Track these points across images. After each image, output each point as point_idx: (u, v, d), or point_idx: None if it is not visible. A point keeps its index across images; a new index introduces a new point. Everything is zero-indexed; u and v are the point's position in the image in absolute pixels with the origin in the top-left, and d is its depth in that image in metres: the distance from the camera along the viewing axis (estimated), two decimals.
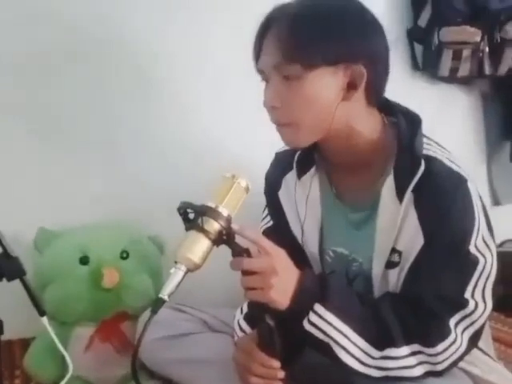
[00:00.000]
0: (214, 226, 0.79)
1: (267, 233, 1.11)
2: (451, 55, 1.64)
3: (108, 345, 1.17)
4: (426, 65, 1.73)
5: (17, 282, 1.16)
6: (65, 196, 1.31)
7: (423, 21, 1.69)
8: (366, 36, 0.87)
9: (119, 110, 1.36)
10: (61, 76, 1.30)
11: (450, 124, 1.75)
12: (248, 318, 0.99)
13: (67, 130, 1.32)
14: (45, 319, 0.78)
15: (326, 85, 0.86)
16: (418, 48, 1.73)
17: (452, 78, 1.70)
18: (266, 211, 1.12)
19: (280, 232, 1.05)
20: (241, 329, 1.00)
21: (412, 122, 0.93)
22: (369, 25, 0.88)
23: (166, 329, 1.08)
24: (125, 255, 1.23)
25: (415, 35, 1.73)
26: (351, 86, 0.87)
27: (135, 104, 1.37)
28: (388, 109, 0.95)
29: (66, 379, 0.87)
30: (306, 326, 0.84)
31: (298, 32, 0.83)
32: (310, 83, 0.85)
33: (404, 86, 1.68)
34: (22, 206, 1.27)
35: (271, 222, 1.10)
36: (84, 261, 1.19)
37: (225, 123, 1.42)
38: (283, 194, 1.05)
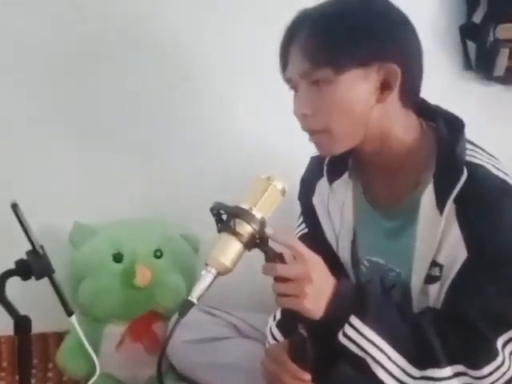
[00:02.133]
0: (246, 228, 0.76)
1: (302, 240, 1.07)
2: (507, 54, 1.54)
3: (139, 345, 1.16)
4: (480, 64, 1.63)
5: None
6: (102, 194, 1.31)
7: (478, 17, 1.60)
8: (396, 33, 0.82)
9: (156, 111, 1.35)
10: (99, 77, 1.30)
11: (505, 127, 1.64)
12: (281, 326, 0.96)
13: (105, 130, 1.32)
14: (73, 318, 0.77)
15: (358, 87, 0.81)
16: (471, 46, 1.64)
17: (508, 78, 1.60)
18: (302, 218, 1.08)
19: (315, 239, 1.01)
20: (273, 336, 0.96)
21: (454, 126, 0.87)
22: (398, 22, 0.83)
23: (196, 332, 1.07)
24: (158, 254, 1.22)
25: (468, 33, 1.64)
26: (385, 87, 0.82)
27: (172, 105, 1.36)
28: (427, 112, 0.90)
29: (93, 379, 0.86)
30: (341, 339, 0.80)
31: (323, 35, 0.80)
32: (342, 87, 0.81)
33: (455, 87, 1.60)
34: (62, 203, 1.29)
35: (306, 229, 1.06)
36: (117, 258, 1.19)
37: (262, 124, 1.39)
38: (317, 201, 1.01)
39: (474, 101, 1.61)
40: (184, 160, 1.38)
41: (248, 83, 1.38)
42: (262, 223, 0.77)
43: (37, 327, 1.20)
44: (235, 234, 0.76)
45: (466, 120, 1.56)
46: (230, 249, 0.76)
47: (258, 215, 0.77)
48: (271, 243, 0.79)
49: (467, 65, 1.65)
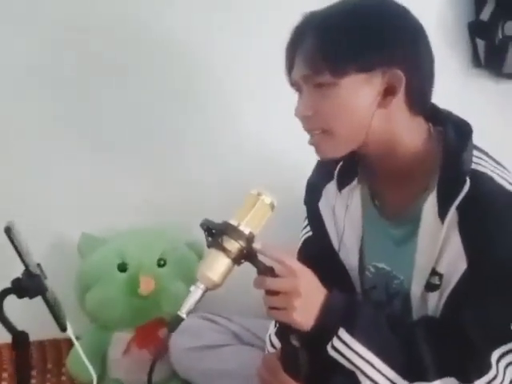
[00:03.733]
0: (234, 244, 0.77)
1: (307, 243, 1.08)
2: None
3: (145, 351, 1.19)
4: (489, 61, 1.60)
5: (63, 284, 1.23)
6: (108, 206, 1.34)
7: (486, 14, 1.57)
8: (401, 38, 0.81)
9: (158, 121, 1.37)
10: (100, 86, 1.32)
11: None
12: (279, 334, 0.97)
13: (107, 141, 1.34)
14: (69, 331, 0.80)
15: (359, 92, 0.81)
16: (480, 44, 1.61)
17: None
18: (307, 221, 1.08)
19: (319, 243, 1.01)
20: (272, 344, 0.97)
21: (461, 132, 0.85)
22: (405, 26, 0.82)
23: (197, 339, 1.09)
24: (162, 263, 1.25)
25: (477, 30, 1.61)
26: (389, 92, 0.81)
27: (174, 117, 1.38)
28: (436, 116, 0.88)
29: None
30: (330, 351, 0.80)
31: (324, 43, 0.80)
32: (344, 90, 0.81)
33: (465, 85, 1.58)
34: (70, 215, 1.32)
35: (311, 232, 1.07)
36: (122, 267, 1.22)
37: (268, 127, 1.39)
38: (323, 205, 1.00)
39: (483, 98, 1.58)
40: (188, 168, 1.39)
41: (253, 85, 1.38)
42: (250, 238, 0.78)
43: (50, 333, 1.26)
44: (223, 249, 0.77)
45: (475, 117, 1.54)
46: (219, 264, 0.77)
47: (246, 230, 0.78)
48: (262, 256, 0.81)
49: (476, 62, 1.62)
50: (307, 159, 1.02)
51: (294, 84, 0.87)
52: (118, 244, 1.25)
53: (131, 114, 1.35)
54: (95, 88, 1.32)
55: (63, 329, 0.75)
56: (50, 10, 1.27)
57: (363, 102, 0.81)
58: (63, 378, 1.36)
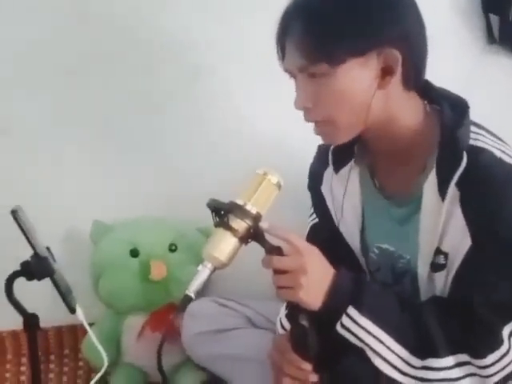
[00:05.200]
0: (240, 224, 0.77)
1: (314, 229, 1.08)
2: None
3: (158, 334, 1.20)
4: (504, 37, 1.56)
5: (78, 271, 1.25)
6: (119, 192, 1.35)
7: None
8: (394, 17, 0.79)
9: (167, 111, 1.37)
10: (107, 78, 1.32)
11: None
12: (288, 315, 0.97)
13: (118, 130, 1.34)
14: (79, 313, 0.80)
15: (357, 77, 0.79)
16: (494, 20, 1.57)
17: None
18: (312, 207, 1.08)
19: (325, 228, 1.01)
20: (282, 327, 0.97)
21: (458, 108, 0.84)
22: (395, 5, 0.80)
23: (209, 323, 1.09)
24: (173, 248, 1.25)
25: (491, 5, 1.57)
26: (387, 72, 0.80)
27: (183, 104, 1.37)
28: (431, 94, 0.87)
29: (98, 375, 0.89)
30: (339, 329, 0.80)
31: (314, 31, 0.78)
32: (340, 78, 0.79)
33: (479, 61, 1.54)
34: (82, 204, 1.34)
35: (317, 219, 1.06)
36: (134, 253, 1.23)
37: (273, 122, 1.38)
38: (325, 189, 1.00)
39: (499, 74, 1.54)
40: (197, 158, 1.39)
41: (258, 82, 1.37)
42: (257, 218, 0.78)
43: (66, 319, 1.27)
44: (230, 229, 0.77)
45: (490, 94, 1.51)
46: (225, 244, 0.77)
47: (253, 210, 0.78)
48: (269, 236, 0.80)
49: (491, 38, 1.58)
50: (311, 148, 1.04)
51: (288, 71, 0.86)
52: (129, 230, 1.26)
53: (143, 106, 1.35)
54: (101, 77, 1.32)
55: (72, 311, 0.75)
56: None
57: (361, 86, 0.80)
58: (80, 363, 1.38)
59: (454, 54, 1.50)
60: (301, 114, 0.87)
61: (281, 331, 0.97)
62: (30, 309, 0.81)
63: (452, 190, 0.79)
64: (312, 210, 1.10)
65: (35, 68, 1.29)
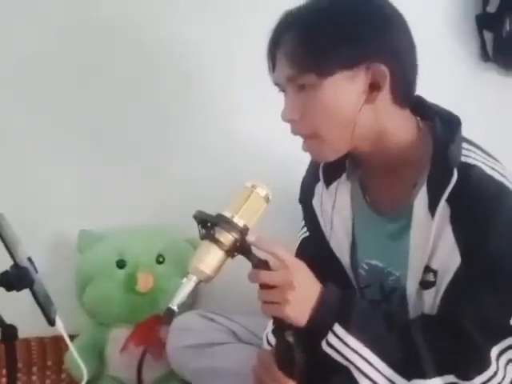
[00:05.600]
0: (227, 236, 0.76)
1: (304, 243, 1.07)
2: None
3: (142, 348, 1.18)
4: (498, 54, 1.57)
5: (62, 281, 1.22)
6: (106, 202, 1.33)
7: (493, 6, 1.55)
8: (383, 33, 0.79)
9: (157, 119, 1.36)
10: (100, 84, 1.32)
11: None
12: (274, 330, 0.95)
13: (106, 139, 1.34)
14: (60, 325, 0.78)
15: (344, 90, 0.79)
16: (489, 37, 1.58)
17: None
18: (303, 221, 1.07)
19: (316, 242, 1.00)
20: (268, 342, 0.95)
21: (449, 125, 0.83)
22: (385, 20, 0.80)
23: (194, 337, 1.07)
24: (161, 259, 1.24)
25: (485, 22, 1.58)
26: (374, 88, 0.80)
27: (171, 114, 1.37)
28: (423, 110, 0.87)
29: None
30: (325, 347, 0.78)
31: (305, 42, 0.78)
32: (327, 91, 0.79)
33: (473, 78, 1.55)
34: (67, 211, 1.32)
35: (308, 233, 1.05)
36: (120, 264, 1.21)
37: (266, 127, 1.36)
38: (316, 203, 0.99)
39: (492, 92, 1.55)
40: (187, 166, 1.38)
41: (251, 85, 1.36)
42: (244, 231, 0.77)
43: (50, 330, 1.25)
44: (216, 241, 0.76)
45: (484, 111, 1.51)
46: (211, 256, 0.76)
47: (240, 223, 0.77)
48: (257, 250, 0.79)
49: (485, 56, 1.59)
50: (303, 158, 1.01)
51: (278, 84, 0.86)
52: (116, 241, 1.24)
53: (131, 114, 1.34)
54: (94, 86, 1.32)
55: (51, 322, 0.73)
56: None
57: (348, 100, 0.80)
58: (63, 375, 1.35)
59: (448, 71, 1.50)
60: None
61: (267, 347, 0.95)
62: (12, 319, 0.79)
63: (442, 206, 0.79)
64: (303, 224, 1.09)
65: (20, 75, 1.29)
